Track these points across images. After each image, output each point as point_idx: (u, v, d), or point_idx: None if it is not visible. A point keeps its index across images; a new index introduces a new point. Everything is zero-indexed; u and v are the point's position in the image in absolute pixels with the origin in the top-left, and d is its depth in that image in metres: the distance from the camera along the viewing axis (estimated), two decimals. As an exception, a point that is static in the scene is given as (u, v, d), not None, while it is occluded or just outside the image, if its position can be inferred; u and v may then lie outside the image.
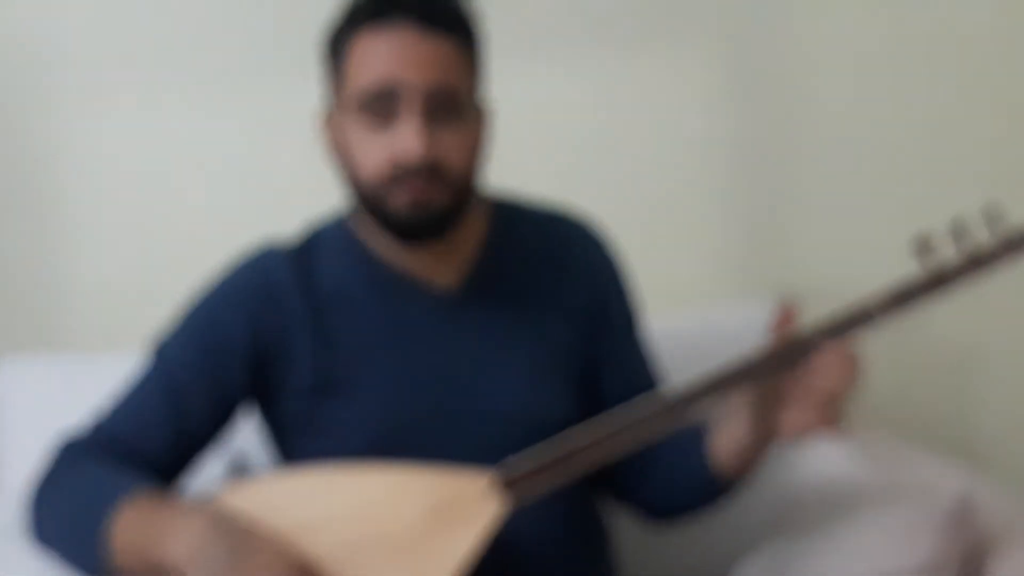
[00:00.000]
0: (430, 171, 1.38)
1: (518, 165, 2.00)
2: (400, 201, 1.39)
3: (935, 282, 1.36)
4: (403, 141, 1.37)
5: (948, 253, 1.36)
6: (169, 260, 2.16)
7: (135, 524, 1.33)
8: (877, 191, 2.25)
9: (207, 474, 1.60)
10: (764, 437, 1.39)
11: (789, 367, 1.35)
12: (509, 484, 1.35)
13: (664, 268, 2.12)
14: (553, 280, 1.54)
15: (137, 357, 1.56)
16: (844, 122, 2.24)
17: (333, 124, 1.48)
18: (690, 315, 1.97)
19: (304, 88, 1.59)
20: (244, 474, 1.68)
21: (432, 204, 1.39)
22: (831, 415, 1.34)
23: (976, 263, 1.36)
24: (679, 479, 1.51)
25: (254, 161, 2.18)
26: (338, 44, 1.44)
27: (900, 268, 2.15)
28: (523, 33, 2.15)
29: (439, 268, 1.49)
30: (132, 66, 2.16)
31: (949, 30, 2.23)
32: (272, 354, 1.47)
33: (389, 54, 1.38)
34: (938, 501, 1.48)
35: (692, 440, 1.46)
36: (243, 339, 1.46)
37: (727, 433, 1.42)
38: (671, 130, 2.23)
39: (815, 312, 2.11)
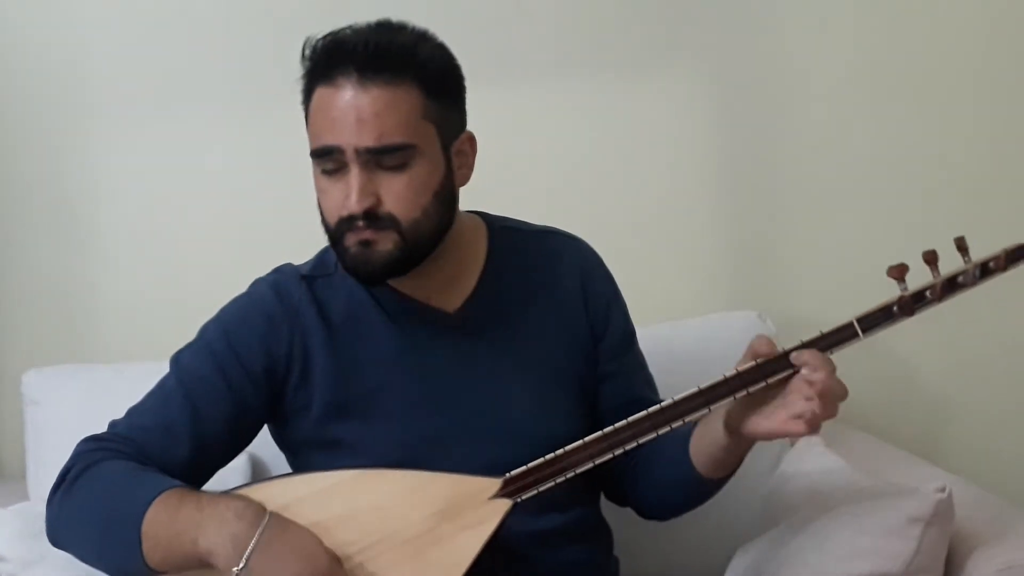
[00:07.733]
0: (372, 219, 1.40)
1: (515, 187, 2.07)
2: (347, 244, 1.43)
3: (905, 308, 1.41)
4: (345, 194, 1.41)
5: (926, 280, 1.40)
6: (192, 276, 2.20)
7: (165, 518, 1.34)
8: (858, 213, 2.32)
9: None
10: (736, 440, 1.43)
11: (765, 379, 1.38)
12: (513, 489, 1.40)
13: (657, 283, 2.17)
14: (551, 299, 1.57)
15: (160, 368, 1.56)
16: (828, 147, 2.31)
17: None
18: (681, 326, 2.02)
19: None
20: None
21: (376, 248, 1.42)
22: (811, 416, 1.35)
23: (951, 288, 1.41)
24: (668, 480, 1.54)
25: (278, 183, 2.20)
26: (304, 97, 1.46)
27: (873, 285, 2.18)
28: (521, 59, 2.21)
29: (444, 292, 1.53)
30: (161, 93, 2.21)
31: (933, 56, 2.31)
32: (287, 374, 1.49)
33: (331, 113, 1.40)
34: (921, 502, 1.53)
35: (678, 443, 1.49)
36: (258, 359, 1.48)
37: (703, 436, 1.47)
38: (664, 154, 2.28)
39: (796, 323, 2.19)
